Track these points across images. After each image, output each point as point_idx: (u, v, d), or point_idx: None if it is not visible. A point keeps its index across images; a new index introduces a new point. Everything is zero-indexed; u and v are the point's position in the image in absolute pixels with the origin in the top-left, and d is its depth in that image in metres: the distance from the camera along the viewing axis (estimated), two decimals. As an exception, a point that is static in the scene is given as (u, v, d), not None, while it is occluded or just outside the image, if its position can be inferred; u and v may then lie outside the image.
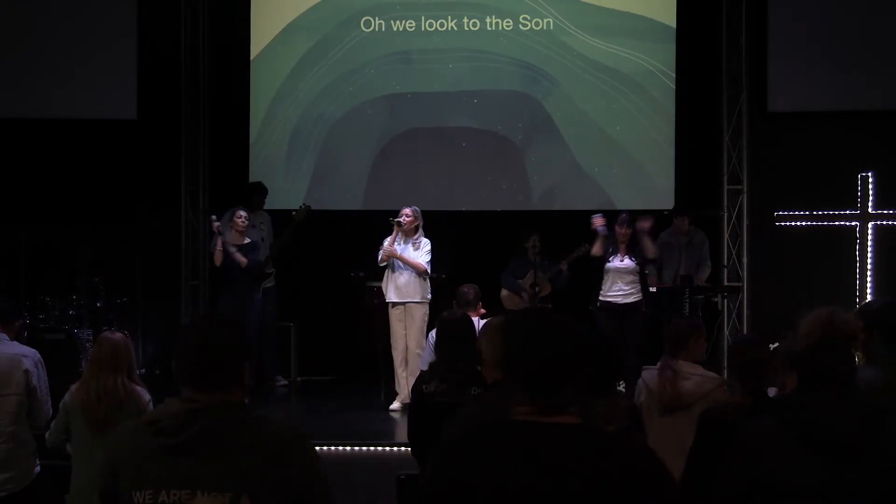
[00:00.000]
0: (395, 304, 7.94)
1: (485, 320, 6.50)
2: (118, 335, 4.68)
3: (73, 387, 4.64)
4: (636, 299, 8.24)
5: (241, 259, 8.20)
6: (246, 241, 8.36)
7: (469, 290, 6.82)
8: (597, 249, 8.27)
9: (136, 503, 2.31)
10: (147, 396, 4.64)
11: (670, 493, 2.04)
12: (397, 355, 7.96)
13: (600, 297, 8.28)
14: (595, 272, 8.38)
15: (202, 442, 2.29)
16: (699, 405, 4.54)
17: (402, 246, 7.95)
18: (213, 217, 8.51)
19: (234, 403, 2.37)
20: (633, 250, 8.27)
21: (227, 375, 2.38)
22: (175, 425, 2.30)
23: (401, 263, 7.90)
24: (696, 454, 3.71)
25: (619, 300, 8.23)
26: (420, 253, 7.90)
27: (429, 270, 7.91)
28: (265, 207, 9.25)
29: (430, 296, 7.97)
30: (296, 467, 2.33)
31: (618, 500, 1.95)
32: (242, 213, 8.37)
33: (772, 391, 3.72)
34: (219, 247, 8.20)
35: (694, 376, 4.63)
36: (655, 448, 4.27)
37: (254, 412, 2.42)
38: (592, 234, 8.50)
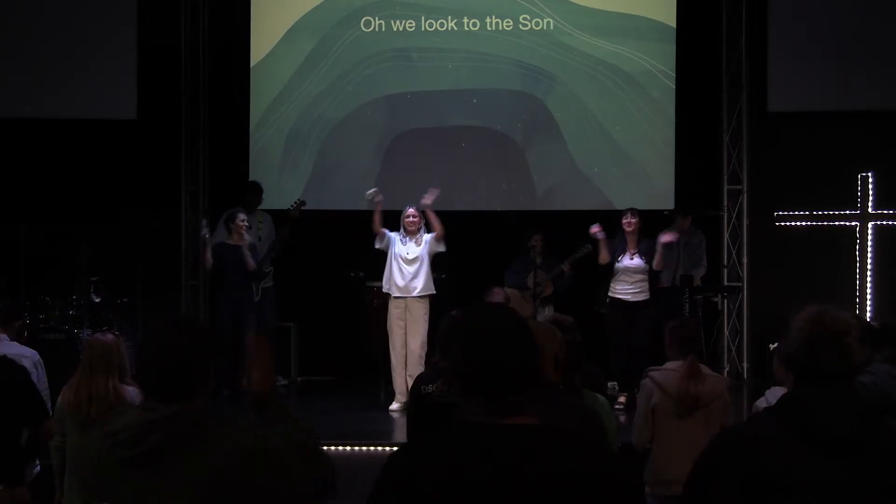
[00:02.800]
0: (395, 298, 7.95)
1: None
2: (109, 337, 4.63)
3: (65, 388, 4.62)
4: (644, 298, 8.24)
5: (251, 262, 8.20)
6: (247, 242, 8.36)
7: (498, 293, 6.84)
8: (603, 257, 8.22)
9: None
10: (139, 399, 4.58)
11: (630, 496, 1.99)
12: (395, 354, 7.95)
13: (609, 294, 8.27)
14: (601, 273, 8.36)
15: (159, 455, 2.24)
16: (714, 405, 4.58)
17: (407, 244, 7.97)
18: (204, 223, 8.50)
19: (193, 413, 2.30)
20: (640, 247, 8.24)
21: (188, 383, 2.32)
22: (132, 437, 2.26)
23: (403, 260, 7.90)
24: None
25: (629, 298, 8.21)
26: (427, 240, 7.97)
27: (441, 232, 7.95)
28: (264, 207, 9.24)
29: (434, 290, 7.96)
30: (260, 478, 2.25)
31: (574, 502, 1.91)
32: (241, 214, 8.38)
33: (779, 391, 3.72)
34: (207, 253, 8.26)
35: (709, 376, 4.65)
36: (672, 450, 4.27)
37: (215, 420, 2.33)
38: (592, 238, 8.50)
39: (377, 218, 8.01)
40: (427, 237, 7.99)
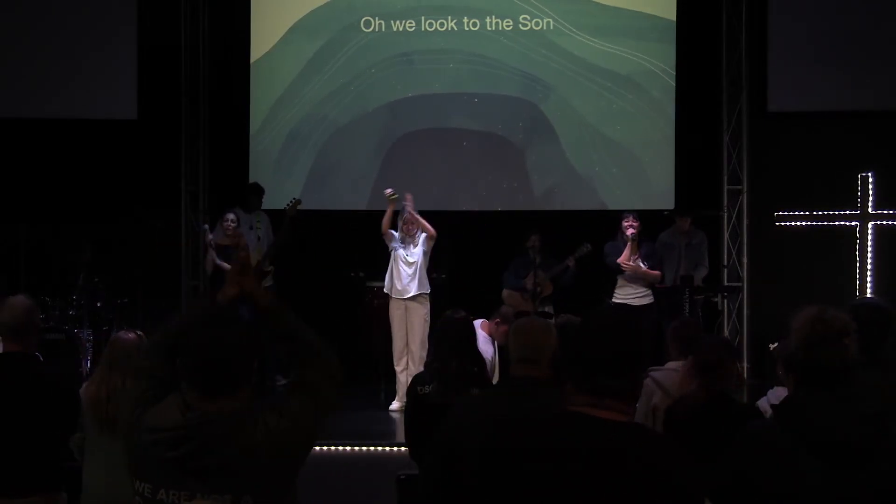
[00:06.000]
0: (395, 300, 7.98)
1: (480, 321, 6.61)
2: (132, 336, 4.62)
3: (86, 384, 4.62)
4: (649, 301, 8.24)
5: (226, 266, 8.23)
6: (233, 241, 8.40)
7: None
8: (624, 257, 8.22)
9: (136, 489, 2.33)
10: None
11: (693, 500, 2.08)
12: (396, 354, 7.96)
13: (614, 300, 8.26)
14: (601, 275, 8.35)
15: (201, 455, 2.27)
16: None
17: (404, 246, 7.98)
18: (206, 227, 8.67)
19: (235, 412, 2.31)
20: (642, 251, 8.23)
21: (234, 379, 2.32)
22: (174, 439, 2.27)
23: (404, 262, 7.91)
24: None
25: (635, 302, 8.22)
26: (423, 240, 7.97)
27: (433, 233, 7.96)
28: (264, 207, 9.24)
29: (429, 289, 7.99)
30: (290, 446, 2.35)
31: (646, 499, 1.99)
32: (229, 216, 8.52)
33: (781, 391, 3.71)
34: (209, 256, 8.52)
35: None
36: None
37: (251, 411, 2.36)
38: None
39: (387, 218, 8.00)
40: (422, 237, 8.01)
